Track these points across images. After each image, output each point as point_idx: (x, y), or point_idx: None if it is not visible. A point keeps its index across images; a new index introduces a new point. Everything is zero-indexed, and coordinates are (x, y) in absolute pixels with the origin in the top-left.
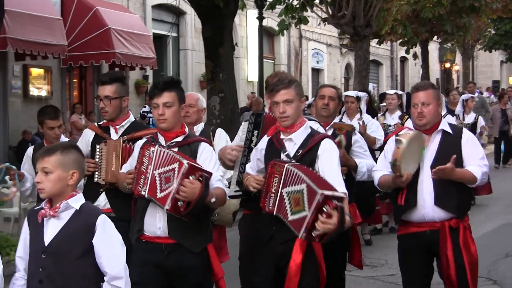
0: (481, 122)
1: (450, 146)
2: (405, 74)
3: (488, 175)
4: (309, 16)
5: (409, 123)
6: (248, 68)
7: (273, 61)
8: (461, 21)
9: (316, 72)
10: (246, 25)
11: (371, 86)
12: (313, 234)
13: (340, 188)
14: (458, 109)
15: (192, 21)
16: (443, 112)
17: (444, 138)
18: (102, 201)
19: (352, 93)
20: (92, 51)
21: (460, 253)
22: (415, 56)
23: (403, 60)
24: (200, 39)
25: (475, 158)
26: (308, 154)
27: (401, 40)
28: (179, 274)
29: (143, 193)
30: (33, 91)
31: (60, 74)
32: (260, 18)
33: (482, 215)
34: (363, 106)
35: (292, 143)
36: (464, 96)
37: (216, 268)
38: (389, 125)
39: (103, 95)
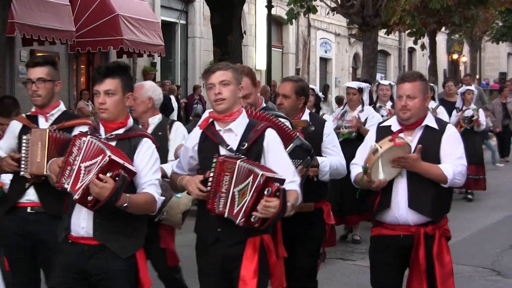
0: (481, 115)
1: (430, 142)
2: (413, 65)
3: (464, 176)
4: (317, 6)
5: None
6: (256, 56)
7: (281, 50)
8: (469, 13)
9: (324, 61)
10: (255, 13)
11: (378, 76)
12: (252, 219)
13: (293, 178)
14: (458, 102)
15: (200, 8)
16: (434, 104)
17: (426, 134)
18: (32, 195)
19: (354, 84)
20: (100, 37)
21: (432, 264)
22: (422, 47)
23: (411, 50)
24: (208, 27)
25: (453, 157)
26: (254, 147)
27: (409, 30)
28: (100, 280)
29: (66, 186)
30: None
31: (67, 60)
32: (269, 6)
33: (487, 207)
34: (365, 98)
35: (232, 134)
36: (461, 89)
37: (143, 278)
38: (382, 115)
39: (36, 77)
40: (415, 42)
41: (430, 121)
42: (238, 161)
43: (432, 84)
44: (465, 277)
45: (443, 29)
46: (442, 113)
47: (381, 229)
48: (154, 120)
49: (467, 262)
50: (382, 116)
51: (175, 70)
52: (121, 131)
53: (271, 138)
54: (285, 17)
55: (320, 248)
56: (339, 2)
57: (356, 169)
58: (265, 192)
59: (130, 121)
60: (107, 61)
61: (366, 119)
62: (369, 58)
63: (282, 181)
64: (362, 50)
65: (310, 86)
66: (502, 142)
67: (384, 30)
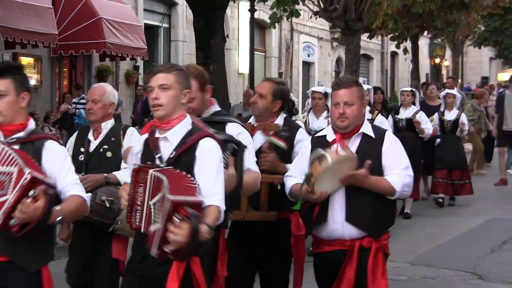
0: (464, 119)
1: (369, 152)
2: (395, 69)
3: (411, 187)
4: (300, 9)
5: (379, 118)
6: (239, 60)
7: (264, 54)
8: (451, 17)
9: (307, 65)
10: (238, 17)
11: (361, 80)
12: (166, 249)
13: (213, 198)
14: (442, 106)
15: (183, 12)
16: (416, 108)
17: (364, 143)
18: None
19: (320, 88)
20: (82, 40)
21: (365, 278)
22: (405, 51)
23: (394, 55)
24: (191, 31)
25: (398, 167)
26: (184, 156)
27: (391, 34)
28: None
29: None
30: None
31: (50, 63)
32: (252, 10)
33: (469, 211)
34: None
35: (168, 143)
36: (442, 93)
37: None
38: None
39: None
40: (398, 46)
41: (367, 128)
42: (151, 171)
43: (414, 89)
44: (447, 281)
45: (425, 33)
46: (382, 122)
47: (319, 245)
48: (107, 125)
49: (449, 266)
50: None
51: None
52: (22, 134)
53: (205, 148)
54: (268, 20)
55: (291, 260)
56: (322, 6)
57: (291, 181)
58: (174, 218)
59: (31, 123)
60: (90, 64)
61: None
62: (352, 62)
63: (196, 205)
64: (345, 54)
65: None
66: (485, 147)
67: (367, 34)
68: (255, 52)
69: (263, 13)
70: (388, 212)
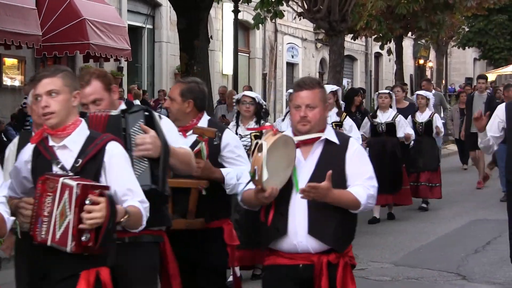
0: (437, 120)
1: (332, 160)
2: (380, 70)
3: (375, 199)
4: (284, 10)
5: (347, 121)
6: (223, 61)
7: (248, 55)
8: (435, 18)
9: (291, 66)
10: (222, 18)
11: (345, 81)
12: (83, 238)
13: (132, 201)
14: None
15: (167, 13)
16: (394, 111)
17: (327, 150)
18: None
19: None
20: (66, 41)
21: None
22: (389, 52)
23: (378, 56)
24: (175, 32)
25: (361, 177)
26: (91, 163)
27: (375, 35)
28: None
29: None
30: (7, 81)
31: (34, 64)
32: (236, 11)
33: (453, 212)
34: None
35: (67, 151)
36: (418, 92)
37: None
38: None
39: None
40: (382, 47)
41: (330, 134)
42: (61, 179)
43: (391, 92)
44: (430, 282)
45: (409, 34)
46: (351, 125)
47: (276, 257)
48: None
49: (432, 267)
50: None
51: (141, 74)
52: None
53: (115, 152)
54: (252, 21)
55: (224, 273)
56: (306, 7)
57: (242, 187)
58: (87, 202)
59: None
60: (74, 65)
61: None
62: (336, 63)
63: (105, 187)
64: (329, 55)
65: (250, 93)
66: (461, 148)
67: (351, 35)
68: (239, 53)
69: (247, 14)
70: (350, 225)
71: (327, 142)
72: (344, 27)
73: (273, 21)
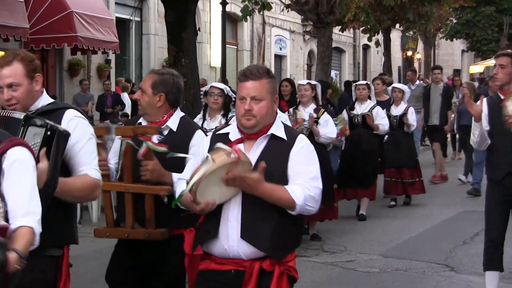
0: (411, 114)
1: (276, 157)
2: (368, 62)
3: (318, 202)
4: (272, 2)
5: (324, 116)
6: (211, 53)
7: (236, 47)
8: (423, 10)
9: (279, 58)
10: (210, 10)
11: (333, 73)
12: None
13: (27, 218)
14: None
15: (155, 5)
16: (372, 102)
17: (271, 145)
18: None
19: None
20: (54, 34)
21: None
22: (377, 43)
23: (366, 47)
24: (163, 24)
25: (304, 177)
26: None
27: (363, 27)
28: None
29: None
30: None
31: None
32: (224, 3)
33: (441, 203)
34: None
35: None
36: (389, 87)
37: None
38: (304, 120)
39: None
40: (370, 39)
41: (277, 129)
42: None
43: (369, 83)
44: (419, 273)
45: (397, 26)
46: (327, 121)
47: (209, 262)
48: None
49: (421, 258)
50: (304, 120)
51: (129, 67)
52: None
53: (14, 158)
54: (240, 14)
55: (183, 284)
56: None
57: (181, 186)
58: None
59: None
60: (61, 58)
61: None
62: (324, 55)
63: (3, 230)
64: (317, 47)
65: (219, 85)
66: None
67: (339, 27)
68: (227, 45)
69: (235, 6)
70: (293, 230)
71: (274, 137)
72: (332, 19)
73: (261, 13)
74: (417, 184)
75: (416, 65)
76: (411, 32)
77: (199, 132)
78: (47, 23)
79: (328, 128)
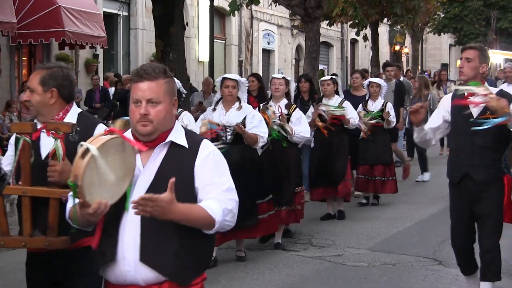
0: (389, 110)
1: (178, 168)
2: (355, 56)
3: (235, 216)
4: None
5: (296, 113)
6: (199, 48)
7: (224, 42)
8: (410, 4)
9: (267, 53)
10: (197, 4)
11: (321, 68)
12: None
13: None
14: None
15: (143, 0)
16: (340, 98)
17: (172, 155)
18: None
19: (234, 76)
20: (41, 29)
21: None
22: (365, 38)
23: (354, 42)
24: (151, 19)
25: (216, 189)
26: None
27: (351, 22)
28: None
29: None
30: None
31: (9, 52)
32: None
33: (429, 197)
34: (241, 94)
35: None
36: (365, 82)
37: None
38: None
39: None
40: (357, 34)
41: (177, 135)
42: None
43: (334, 77)
44: (407, 267)
45: (385, 20)
46: (300, 118)
47: None
48: None
49: (409, 252)
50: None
51: (117, 62)
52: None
53: None
54: (228, 8)
55: None
56: None
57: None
58: None
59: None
60: (49, 53)
61: (244, 118)
62: (312, 49)
63: None
64: (305, 42)
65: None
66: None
67: (327, 22)
68: (215, 40)
69: (223, 1)
70: (201, 249)
71: (174, 145)
72: (320, 14)
73: (249, 7)
74: (389, 183)
75: (404, 59)
76: (399, 27)
77: (100, 126)
78: (35, 17)
79: (302, 126)
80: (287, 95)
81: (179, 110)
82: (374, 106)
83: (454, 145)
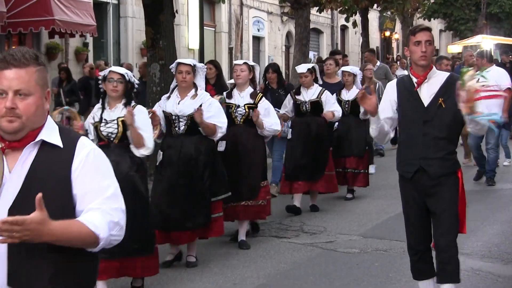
0: None
1: (51, 173)
2: (346, 43)
3: (123, 228)
4: None
5: (263, 103)
6: (189, 35)
7: (214, 29)
8: None
9: (257, 40)
10: None
11: (311, 54)
12: None
13: None
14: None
15: None
16: (318, 88)
17: (44, 157)
18: None
19: (188, 60)
20: (31, 18)
21: None
22: (354, 24)
23: (344, 28)
24: (140, 7)
25: (98, 197)
26: None
27: (341, 8)
28: None
29: None
30: None
31: None
32: None
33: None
34: (198, 80)
35: None
36: (339, 71)
37: None
38: (238, 106)
39: None
40: (347, 20)
41: (50, 133)
42: None
43: (312, 65)
44: (399, 253)
45: (375, 6)
46: (268, 108)
47: None
48: None
49: (400, 238)
50: (238, 107)
51: (107, 50)
52: None
53: None
54: None
55: None
56: None
57: None
58: None
59: None
60: (39, 42)
61: (200, 107)
62: (302, 36)
63: None
64: (295, 29)
65: (118, 69)
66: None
67: (316, 8)
68: (204, 27)
69: None
70: (82, 270)
71: (46, 145)
72: (309, 0)
73: None
74: (361, 176)
75: (394, 45)
76: (389, 13)
77: None
78: (24, 6)
79: (271, 118)
80: (253, 82)
81: (133, 104)
82: (348, 95)
83: (404, 136)
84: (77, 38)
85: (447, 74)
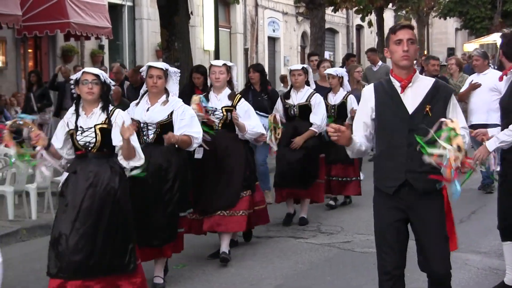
0: (352, 102)
1: None
2: (361, 42)
3: None
4: None
5: (243, 105)
6: (204, 37)
7: (229, 30)
8: None
9: (273, 40)
10: None
11: (327, 54)
12: None
13: None
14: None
15: None
16: (310, 89)
17: None
18: None
19: (160, 64)
20: (46, 21)
21: None
22: (370, 24)
23: (359, 28)
24: (155, 8)
25: None
26: None
27: (356, 8)
28: None
29: None
30: None
31: (14, 44)
32: None
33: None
34: (170, 86)
35: None
36: (326, 71)
37: None
38: (215, 109)
39: None
40: (363, 19)
41: None
42: None
43: (306, 66)
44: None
45: (390, 5)
46: (247, 110)
47: None
48: None
49: None
50: (216, 110)
51: (123, 52)
52: None
53: None
54: None
55: None
56: None
57: None
58: None
59: None
60: (54, 44)
61: (171, 114)
62: (317, 36)
63: None
64: (310, 29)
65: (92, 70)
66: None
67: (331, 8)
68: (220, 28)
69: None
70: None
71: None
72: (324, 0)
73: None
74: (352, 184)
75: None
76: (404, 12)
77: None
78: (40, 9)
79: (252, 120)
80: (230, 83)
81: (111, 108)
82: (335, 99)
83: (384, 146)
84: (92, 41)
85: (432, 79)
